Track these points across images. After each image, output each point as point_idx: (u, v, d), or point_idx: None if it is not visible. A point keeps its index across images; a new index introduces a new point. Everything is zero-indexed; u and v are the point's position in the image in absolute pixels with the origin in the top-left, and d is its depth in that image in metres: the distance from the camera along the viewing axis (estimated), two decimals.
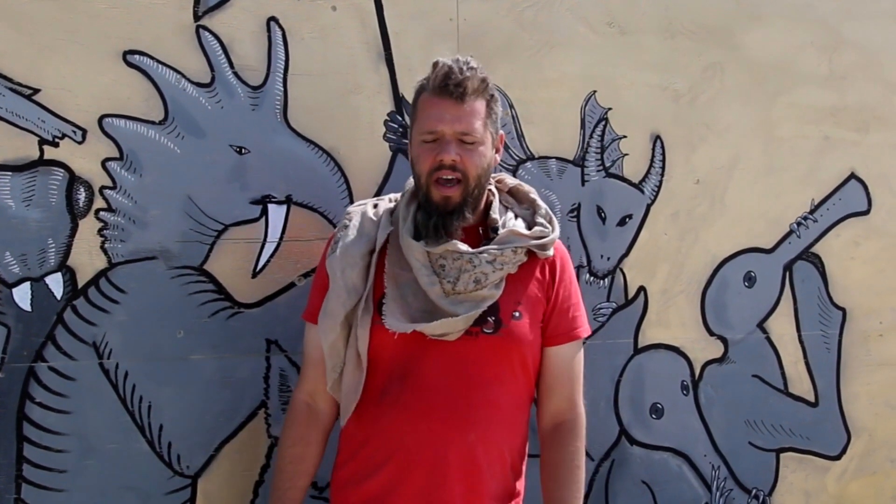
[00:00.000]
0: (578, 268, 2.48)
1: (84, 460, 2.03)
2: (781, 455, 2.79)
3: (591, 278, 2.53)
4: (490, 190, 1.99)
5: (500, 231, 1.93)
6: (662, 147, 2.58)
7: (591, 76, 2.49)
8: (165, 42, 2.07)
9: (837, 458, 2.88)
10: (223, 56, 2.12)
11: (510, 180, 2.10)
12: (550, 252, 1.97)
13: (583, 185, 2.51)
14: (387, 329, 1.84)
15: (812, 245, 2.81)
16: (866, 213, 2.87)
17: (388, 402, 1.87)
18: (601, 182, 2.53)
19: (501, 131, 1.96)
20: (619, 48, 2.52)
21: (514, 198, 2.07)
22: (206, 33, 2.10)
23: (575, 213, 2.50)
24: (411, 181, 1.98)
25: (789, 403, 2.80)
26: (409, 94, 2.22)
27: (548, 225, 1.98)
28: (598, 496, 2.56)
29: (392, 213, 1.99)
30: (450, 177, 1.84)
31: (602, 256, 2.53)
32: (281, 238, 2.19)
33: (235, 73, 2.13)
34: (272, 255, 2.18)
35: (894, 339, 2.92)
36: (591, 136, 2.50)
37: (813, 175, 2.79)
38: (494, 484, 1.90)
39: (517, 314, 1.90)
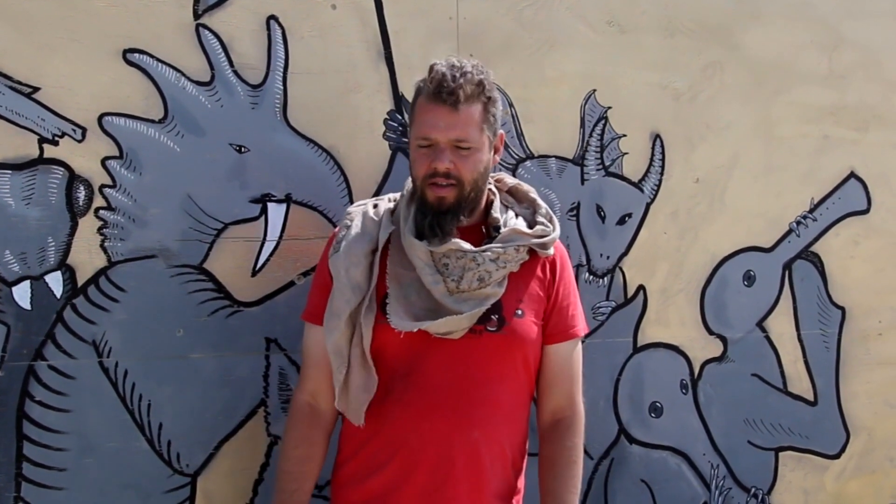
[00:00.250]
0: (578, 266, 2.48)
1: (84, 459, 2.03)
2: (780, 454, 2.80)
3: (591, 277, 2.53)
4: (490, 189, 2.00)
5: (503, 230, 1.93)
6: (662, 146, 2.58)
7: (591, 75, 2.49)
8: (165, 40, 2.06)
9: (836, 456, 2.88)
10: (223, 54, 2.12)
11: (509, 180, 2.10)
12: (551, 251, 1.97)
13: (582, 183, 2.51)
14: (390, 328, 1.84)
15: (811, 244, 2.81)
16: (866, 212, 2.88)
17: (391, 401, 1.87)
18: (601, 181, 2.53)
19: (501, 130, 1.96)
20: (619, 47, 2.52)
21: (514, 197, 2.07)
22: (206, 32, 2.10)
23: (574, 211, 2.50)
24: (410, 181, 1.99)
25: (788, 402, 2.80)
26: (408, 92, 2.22)
27: (549, 224, 1.99)
28: (598, 495, 2.56)
29: (392, 212, 1.99)
30: (444, 183, 1.85)
31: (601, 255, 2.54)
32: (280, 237, 2.19)
33: (235, 72, 2.13)
34: (272, 254, 2.18)
35: (893, 338, 2.93)
36: (590, 135, 2.50)
37: (812, 174, 2.79)
38: (496, 481, 1.90)
39: (520, 312, 1.91)
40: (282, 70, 2.17)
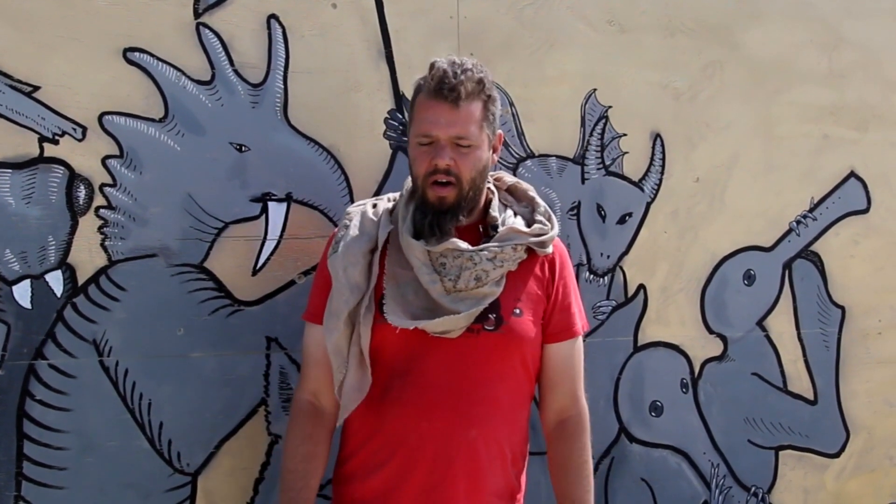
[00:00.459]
0: (578, 266, 2.48)
1: (84, 458, 2.03)
2: (780, 453, 2.80)
3: (591, 276, 2.53)
4: (489, 188, 2.00)
5: (500, 229, 1.93)
6: (662, 145, 2.59)
7: (592, 74, 2.49)
8: (166, 39, 2.06)
9: (836, 455, 2.88)
10: (223, 53, 2.12)
11: (508, 178, 2.11)
12: (550, 249, 1.98)
13: (583, 183, 2.51)
14: (389, 327, 1.84)
15: (811, 243, 2.81)
16: (865, 211, 2.88)
17: (390, 400, 1.87)
18: (601, 180, 2.53)
19: (500, 130, 1.96)
20: (619, 46, 2.52)
21: (513, 196, 2.08)
22: (207, 31, 2.10)
23: (575, 211, 2.50)
24: (410, 180, 1.99)
25: (788, 401, 2.80)
26: (409, 91, 2.21)
27: (547, 222, 1.99)
28: (598, 494, 2.55)
29: (391, 212, 1.99)
30: (444, 180, 1.85)
31: (602, 254, 2.54)
32: (281, 236, 2.19)
33: (236, 71, 2.13)
34: (272, 253, 2.18)
35: (893, 337, 2.93)
36: (591, 134, 2.50)
37: (812, 173, 2.79)
38: (495, 480, 1.91)
39: (518, 311, 1.91)
40: (282, 69, 2.17)
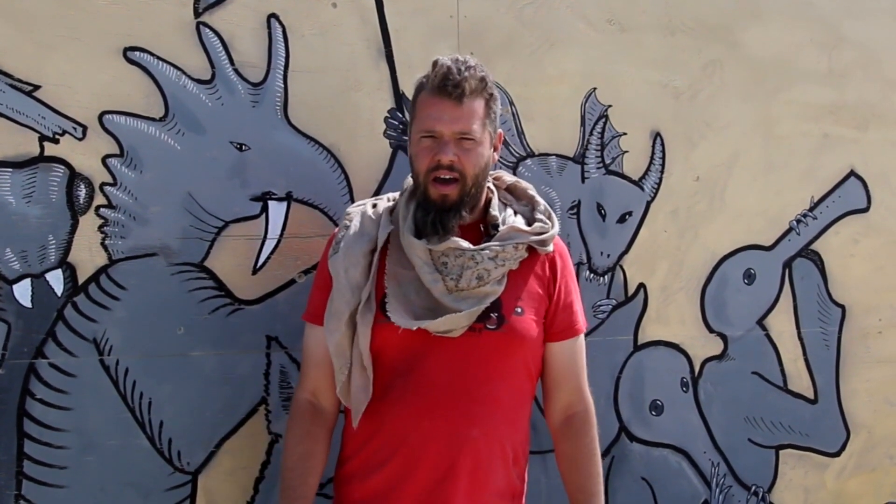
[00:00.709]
0: (578, 265, 2.48)
1: (84, 457, 2.03)
2: (781, 452, 2.80)
3: (591, 275, 2.53)
4: (489, 187, 2.00)
5: (501, 228, 1.93)
6: (662, 144, 2.59)
7: (591, 73, 2.49)
8: (166, 39, 2.07)
9: (836, 454, 2.88)
10: (223, 53, 2.12)
11: (508, 177, 2.11)
12: (550, 248, 1.98)
13: (583, 182, 2.51)
14: (390, 327, 1.84)
15: (811, 242, 2.81)
16: (866, 210, 2.88)
17: (392, 399, 1.87)
18: (601, 179, 2.53)
19: (500, 129, 1.97)
20: (619, 45, 2.52)
21: (513, 194, 2.08)
22: (207, 30, 2.10)
23: (575, 210, 2.50)
24: (409, 180, 1.99)
25: (789, 400, 2.80)
26: (409, 91, 2.22)
27: (547, 221, 1.99)
28: None
29: (391, 212, 1.99)
30: (447, 176, 1.85)
31: (602, 253, 2.54)
32: (281, 235, 2.19)
33: (236, 70, 2.13)
34: (272, 252, 2.18)
35: (893, 336, 2.93)
36: (591, 134, 2.50)
37: (812, 172, 2.79)
38: (497, 480, 1.91)
39: (519, 310, 1.91)
40: (282, 68, 2.17)
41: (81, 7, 1.99)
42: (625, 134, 2.55)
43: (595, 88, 2.50)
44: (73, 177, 2.00)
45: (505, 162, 2.39)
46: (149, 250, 2.07)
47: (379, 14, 2.26)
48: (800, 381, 2.82)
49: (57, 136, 1.99)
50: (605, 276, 2.55)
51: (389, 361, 1.89)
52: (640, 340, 2.60)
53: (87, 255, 2.02)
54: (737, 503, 2.74)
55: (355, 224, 1.95)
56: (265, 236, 2.17)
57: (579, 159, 2.50)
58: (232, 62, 2.13)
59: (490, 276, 1.87)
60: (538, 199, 2.06)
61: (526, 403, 1.98)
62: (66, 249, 2.00)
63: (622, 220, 2.56)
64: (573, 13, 2.46)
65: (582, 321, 2.02)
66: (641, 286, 2.59)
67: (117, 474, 2.06)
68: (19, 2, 1.95)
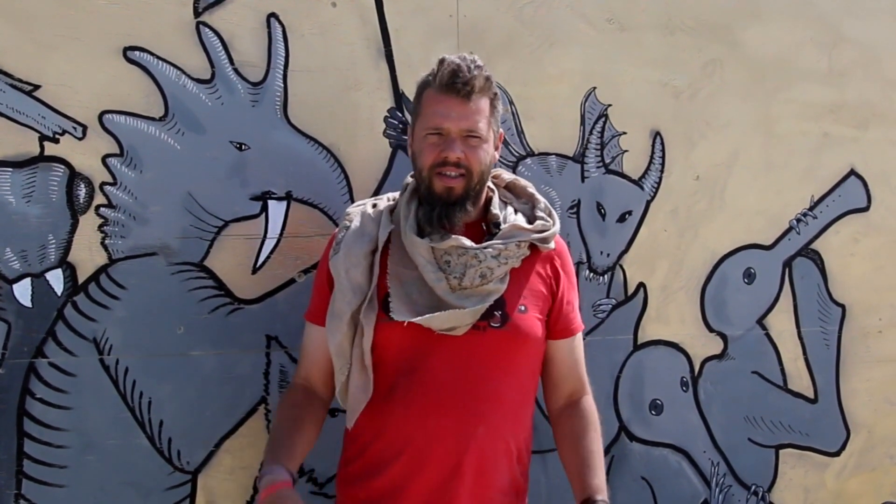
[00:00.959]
0: (578, 264, 2.48)
1: (84, 456, 2.04)
2: (781, 451, 2.80)
3: (591, 275, 2.53)
4: (489, 186, 2.00)
5: (503, 226, 1.94)
6: (662, 143, 2.59)
7: (591, 73, 2.49)
8: (166, 38, 2.07)
9: (837, 454, 2.88)
10: (223, 52, 2.12)
11: (506, 175, 2.11)
12: (552, 245, 1.98)
13: (582, 181, 2.51)
14: (393, 326, 1.84)
15: (811, 241, 2.81)
16: (866, 209, 2.87)
17: (396, 399, 1.87)
18: (601, 178, 2.53)
19: (500, 129, 1.97)
20: (619, 45, 2.52)
21: (512, 193, 2.08)
22: (207, 30, 2.10)
23: (575, 209, 2.50)
24: (409, 179, 1.99)
25: (789, 400, 2.80)
26: (409, 90, 2.23)
27: (548, 218, 2.00)
28: None
29: (392, 211, 1.99)
30: (453, 173, 1.86)
31: (602, 253, 2.54)
32: (281, 234, 2.19)
33: (235, 70, 2.13)
34: (272, 252, 2.19)
35: (893, 335, 2.93)
36: (590, 133, 2.50)
37: (812, 171, 2.79)
38: (502, 477, 1.91)
39: (522, 307, 1.92)
40: (282, 68, 2.17)
41: (81, 7, 2.00)
42: (624, 133, 2.55)
43: (595, 88, 2.50)
44: (73, 176, 2.00)
45: (505, 161, 2.39)
46: (149, 250, 2.07)
47: (378, 14, 2.26)
48: (800, 380, 2.82)
49: (57, 136, 1.99)
50: (605, 276, 2.55)
51: (393, 361, 1.88)
52: (640, 340, 2.60)
53: (87, 254, 2.02)
54: (737, 503, 2.74)
55: (355, 224, 1.95)
56: (265, 236, 2.17)
57: (579, 158, 2.50)
58: (232, 62, 2.13)
59: (493, 275, 1.88)
60: (538, 196, 2.06)
61: (529, 401, 1.99)
62: (66, 249, 2.01)
63: (622, 219, 2.56)
64: (573, 12, 2.46)
65: (579, 319, 2.04)
66: (641, 285, 2.59)
67: (117, 474, 2.07)
68: (19, 2, 1.95)
